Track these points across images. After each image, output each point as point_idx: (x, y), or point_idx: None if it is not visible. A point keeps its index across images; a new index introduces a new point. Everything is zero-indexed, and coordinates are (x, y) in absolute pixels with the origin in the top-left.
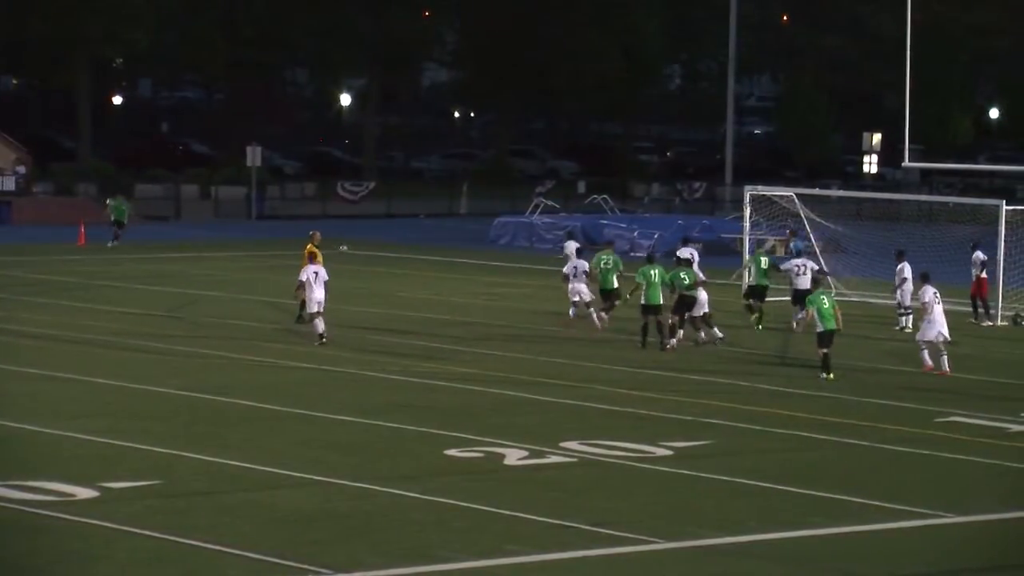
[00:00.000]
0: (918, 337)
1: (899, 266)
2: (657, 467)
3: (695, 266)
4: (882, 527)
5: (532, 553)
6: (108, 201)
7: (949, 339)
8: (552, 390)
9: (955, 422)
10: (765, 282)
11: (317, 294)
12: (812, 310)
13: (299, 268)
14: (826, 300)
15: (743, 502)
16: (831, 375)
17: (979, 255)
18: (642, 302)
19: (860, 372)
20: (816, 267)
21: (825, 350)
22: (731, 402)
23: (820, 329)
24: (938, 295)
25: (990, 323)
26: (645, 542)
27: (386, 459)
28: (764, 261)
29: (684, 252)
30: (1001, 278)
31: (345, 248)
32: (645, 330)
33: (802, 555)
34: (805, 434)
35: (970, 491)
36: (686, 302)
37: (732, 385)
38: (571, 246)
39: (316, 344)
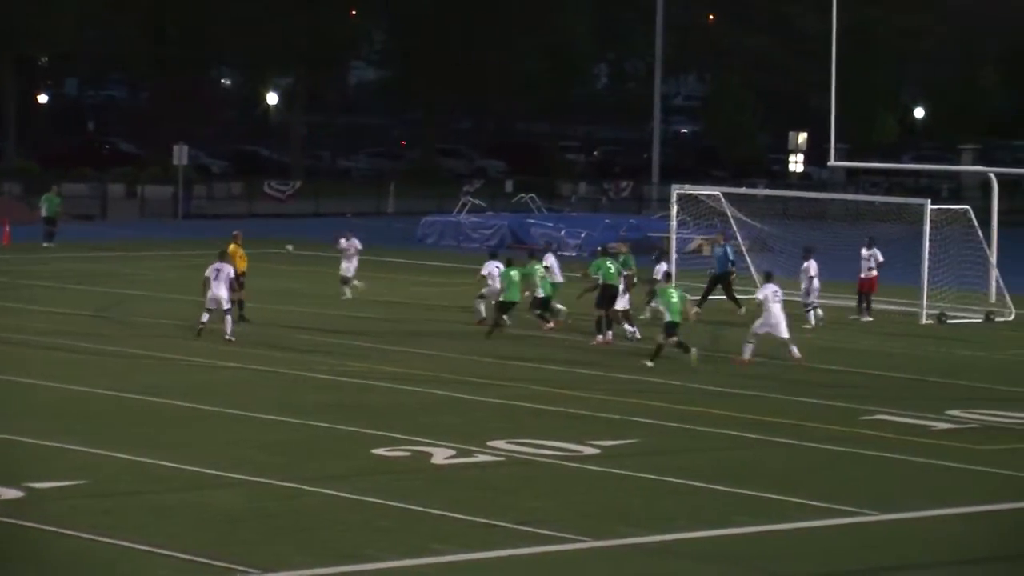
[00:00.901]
0: (752, 328)
1: (805, 264)
2: (585, 466)
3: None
4: (809, 525)
5: (459, 552)
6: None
7: (786, 336)
8: (480, 389)
9: (881, 420)
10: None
11: (217, 292)
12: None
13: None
14: (675, 295)
15: (671, 501)
16: (652, 363)
17: (876, 252)
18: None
19: (788, 371)
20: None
21: (667, 339)
22: (660, 401)
23: (667, 319)
24: (778, 294)
25: (869, 319)
26: (572, 541)
27: (314, 459)
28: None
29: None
30: (926, 277)
31: (291, 248)
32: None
33: (729, 554)
34: (734, 433)
35: (896, 489)
36: (609, 294)
37: (662, 384)
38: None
39: (195, 337)
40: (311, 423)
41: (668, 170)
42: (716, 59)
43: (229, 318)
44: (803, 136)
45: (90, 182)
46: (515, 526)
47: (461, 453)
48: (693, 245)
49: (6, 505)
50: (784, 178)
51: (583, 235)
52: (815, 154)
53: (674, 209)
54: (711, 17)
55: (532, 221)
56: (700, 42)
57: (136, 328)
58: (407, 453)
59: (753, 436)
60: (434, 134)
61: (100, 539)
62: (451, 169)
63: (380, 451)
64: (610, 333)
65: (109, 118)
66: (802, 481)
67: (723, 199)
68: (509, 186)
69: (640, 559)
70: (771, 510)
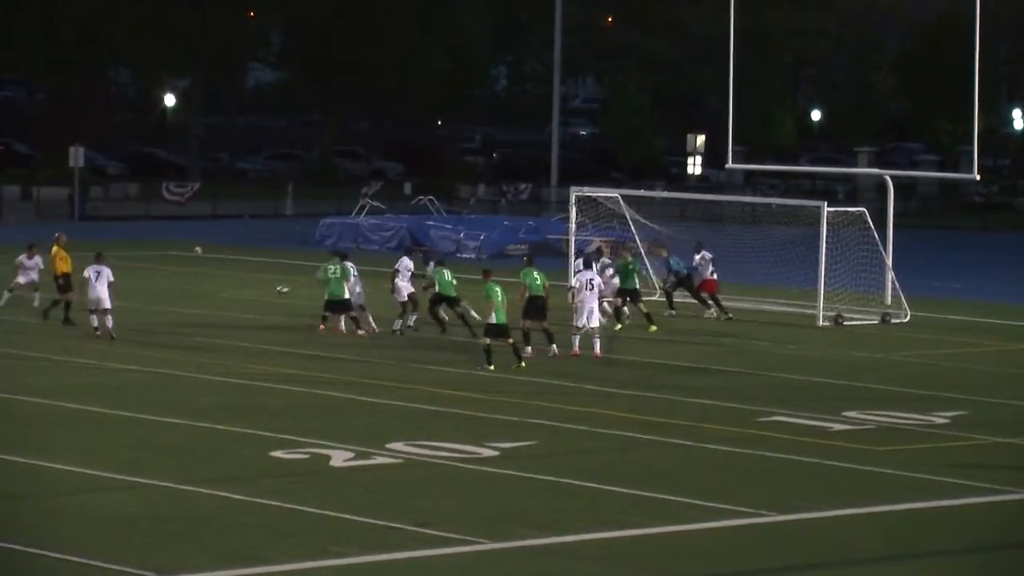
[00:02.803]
0: (573, 322)
1: (697, 256)
2: (483, 468)
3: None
4: (705, 526)
5: (358, 554)
6: None
7: (595, 327)
8: (378, 391)
9: (777, 422)
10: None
11: (99, 292)
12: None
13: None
14: (499, 291)
15: (568, 502)
16: (493, 367)
17: (706, 254)
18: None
19: (684, 372)
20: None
21: (490, 341)
22: (557, 403)
23: (492, 321)
24: (593, 282)
25: (714, 315)
26: (470, 543)
27: (211, 461)
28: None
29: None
30: (822, 279)
31: (199, 250)
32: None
33: (625, 554)
34: (630, 434)
35: (792, 490)
36: (537, 305)
37: (559, 386)
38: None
39: (97, 336)
40: (207, 425)
41: (567, 172)
42: (614, 61)
43: (110, 317)
44: (701, 138)
45: None
46: (414, 528)
47: (360, 455)
48: (593, 247)
49: None
50: (682, 180)
51: (482, 237)
52: (713, 156)
53: (573, 211)
54: (609, 19)
55: (431, 223)
56: (598, 44)
57: (28, 330)
58: (305, 455)
59: (649, 437)
60: (332, 136)
61: None
62: (349, 171)
63: (278, 453)
64: (529, 348)
65: (3, 119)
66: (698, 482)
67: (621, 201)
68: (408, 188)
69: (538, 561)
70: (667, 511)
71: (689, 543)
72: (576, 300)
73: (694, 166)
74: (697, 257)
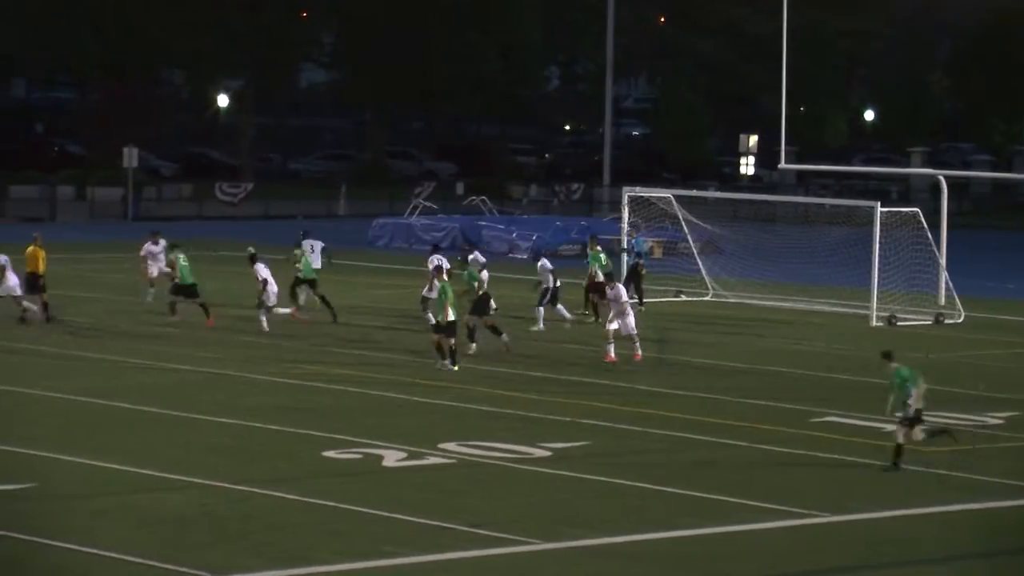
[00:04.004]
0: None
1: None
2: (535, 468)
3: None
4: (756, 527)
5: (410, 555)
6: None
7: (632, 332)
8: (430, 391)
9: (830, 422)
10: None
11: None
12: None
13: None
14: (449, 291)
15: (619, 503)
16: (457, 367)
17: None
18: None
19: (736, 373)
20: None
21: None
22: (610, 403)
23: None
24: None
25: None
26: (522, 543)
27: (264, 461)
28: (603, 258)
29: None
30: (875, 280)
31: (252, 250)
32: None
33: (676, 555)
34: (682, 435)
35: (844, 490)
36: (484, 301)
37: (611, 386)
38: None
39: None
40: (260, 425)
41: (619, 172)
42: (666, 61)
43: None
44: (753, 139)
45: (39, 184)
46: (466, 528)
47: (412, 455)
48: (645, 247)
49: None
50: (734, 180)
51: (534, 238)
52: (765, 157)
53: (625, 211)
54: (662, 19)
55: (483, 223)
56: (650, 44)
57: (84, 330)
58: (358, 455)
59: (701, 438)
60: (384, 136)
61: (47, 543)
62: (401, 171)
63: (331, 453)
64: (474, 345)
65: (58, 120)
66: (750, 482)
67: (674, 201)
68: (460, 188)
69: (590, 561)
70: (719, 511)
71: (741, 544)
72: (614, 311)
73: (747, 166)
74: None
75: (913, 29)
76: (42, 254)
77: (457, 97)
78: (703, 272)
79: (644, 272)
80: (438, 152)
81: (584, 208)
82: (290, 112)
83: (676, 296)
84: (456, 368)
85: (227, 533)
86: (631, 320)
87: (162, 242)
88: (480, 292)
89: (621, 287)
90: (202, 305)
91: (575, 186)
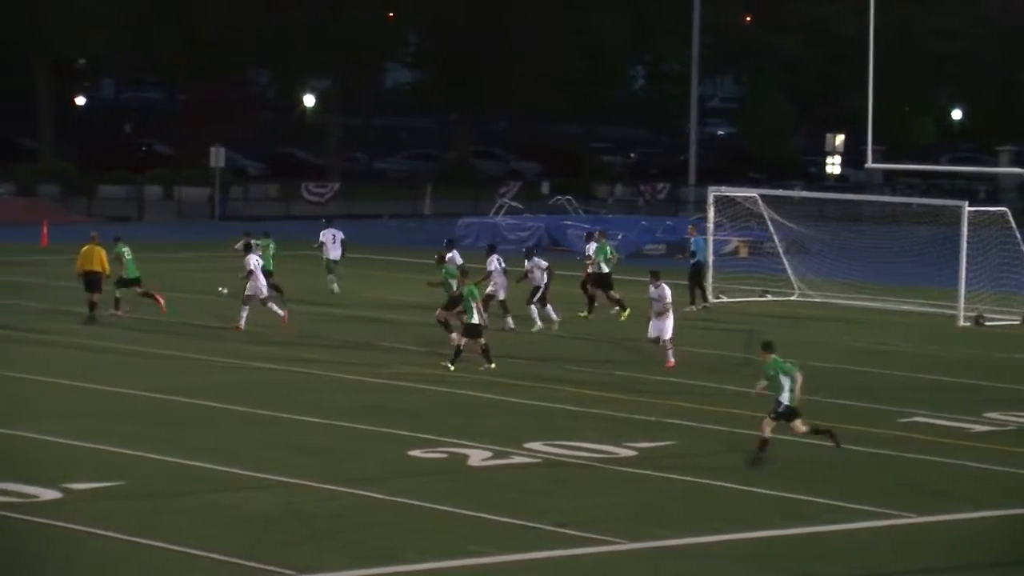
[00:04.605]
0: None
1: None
2: (621, 468)
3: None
4: (843, 527)
5: (496, 554)
6: None
7: (668, 338)
8: (515, 391)
9: (918, 422)
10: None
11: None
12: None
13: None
14: (476, 293)
15: (706, 502)
16: (453, 367)
17: (592, 247)
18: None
19: (823, 373)
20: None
21: (465, 340)
22: (695, 402)
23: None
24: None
25: (585, 315)
26: (608, 543)
27: (351, 460)
28: (610, 250)
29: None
30: (963, 279)
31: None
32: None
33: (761, 556)
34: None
35: (933, 491)
36: (457, 300)
37: (697, 386)
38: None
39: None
40: (347, 424)
41: (705, 172)
42: (752, 61)
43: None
44: (840, 138)
45: (127, 184)
46: (552, 528)
47: (498, 455)
48: (731, 247)
49: (44, 506)
50: (821, 180)
51: (619, 237)
52: (852, 156)
53: (711, 211)
54: (747, 18)
55: (568, 223)
56: (736, 43)
57: (170, 329)
58: (444, 455)
59: (788, 438)
60: (469, 136)
61: (136, 540)
62: (486, 171)
63: (416, 453)
64: (455, 335)
65: (146, 120)
66: (837, 483)
67: (759, 201)
68: (545, 188)
69: (676, 561)
70: (805, 511)
71: (827, 544)
72: (654, 310)
73: (833, 166)
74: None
75: (1001, 27)
76: (102, 253)
77: (541, 97)
78: (789, 272)
79: (704, 271)
80: (523, 152)
81: (669, 208)
82: (376, 112)
83: (762, 296)
84: (493, 366)
85: (314, 532)
86: (668, 324)
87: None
88: (456, 291)
89: (666, 286)
90: (146, 294)
91: (660, 186)
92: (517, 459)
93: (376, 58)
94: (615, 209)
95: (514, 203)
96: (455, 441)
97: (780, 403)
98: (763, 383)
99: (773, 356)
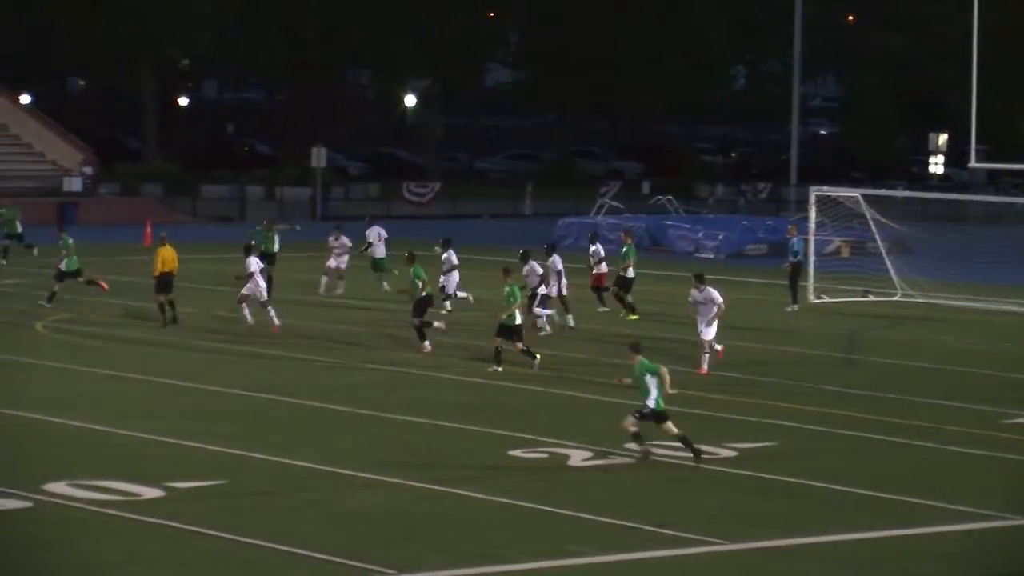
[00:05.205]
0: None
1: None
2: (721, 468)
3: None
4: (944, 529)
5: (595, 554)
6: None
7: (708, 340)
8: (617, 391)
9: (1022, 424)
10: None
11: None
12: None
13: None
14: (517, 293)
15: (806, 504)
16: (500, 367)
17: (599, 248)
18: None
19: (925, 373)
20: None
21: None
22: (796, 404)
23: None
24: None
25: (605, 309)
26: (707, 543)
27: (451, 459)
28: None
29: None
30: None
31: (439, 250)
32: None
33: (862, 557)
34: (869, 435)
35: None
36: (425, 302)
37: (798, 387)
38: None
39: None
40: (447, 424)
41: (806, 172)
42: (854, 60)
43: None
44: (943, 137)
45: (228, 184)
46: (651, 528)
47: (598, 455)
48: (833, 247)
49: (147, 504)
50: (923, 179)
51: (720, 237)
52: (955, 155)
53: (812, 211)
54: (850, 17)
55: (669, 223)
56: (838, 42)
57: (264, 330)
58: (544, 454)
59: (889, 439)
60: (569, 136)
61: (238, 539)
62: (587, 170)
63: (517, 452)
64: (428, 343)
65: (248, 120)
66: (939, 484)
67: (862, 201)
68: (646, 188)
69: (775, 562)
70: (906, 513)
71: (928, 546)
72: (701, 314)
73: (936, 165)
74: (592, 249)
75: None
76: (173, 253)
77: (643, 96)
78: (891, 272)
79: (801, 271)
80: (624, 151)
81: (771, 208)
82: (476, 112)
83: (864, 296)
84: (538, 361)
85: (414, 531)
86: (712, 331)
87: (343, 238)
88: (424, 292)
89: (712, 289)
90: (89, 282)
91: (762, 185)
92: (617, 459)
93: (477, 58)
94: (716, 209)
95: (615, 203)
96: (555, 441)
97: (646, 405)
98: (628, 380)
99: (640, 358)
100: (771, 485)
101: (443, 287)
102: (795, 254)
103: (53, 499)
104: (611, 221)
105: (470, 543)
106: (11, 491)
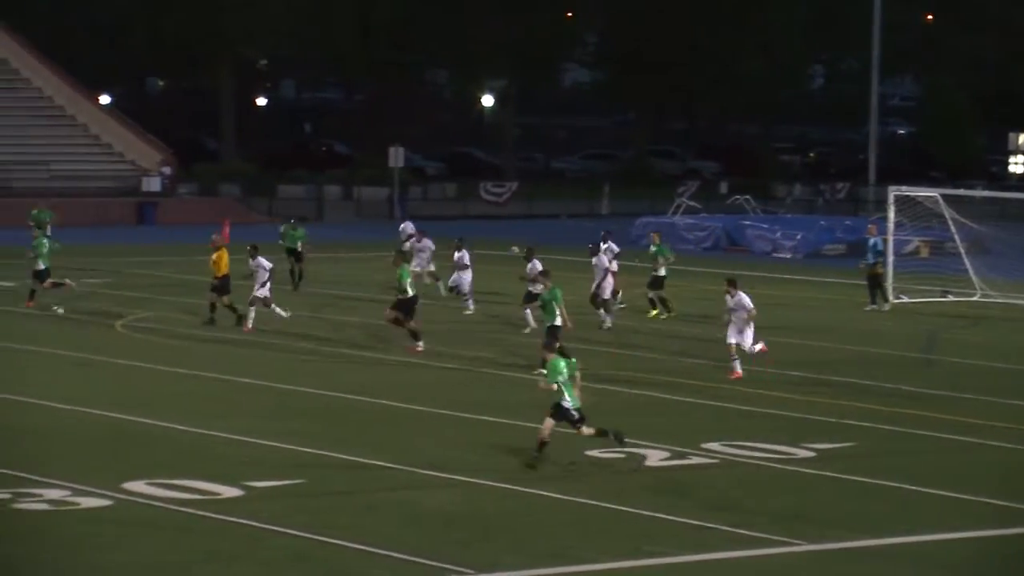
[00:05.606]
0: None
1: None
2: (799, 469)
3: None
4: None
5: (671, 554)
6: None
7: (746, 345)
8: (693, 391)
9: None
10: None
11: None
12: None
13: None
14: (559, 295)
15: (884, 504)
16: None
17: (611, 246)
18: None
19: (1003, 374)
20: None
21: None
22: (874, 403)
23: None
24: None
25: (622, 305)
26: (785, 544)
27: (528, 459)
28: (668, 252)
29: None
30: None
31: (516, 249)
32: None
33: (942, 558)
34: (948, 436)
35: None
36: (410, 304)
37: (875, 387)
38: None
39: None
40: (523, 423)
41: (885, 171)
42: (933, 59)
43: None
44: (1023, 137)
45: (305, 184)
46: (728, 528)
47: (675, 455)
48: (912, 247)
49: (225, 503)
50: (1003, 179)
51: (798, 237)
52: None
53: (891, 211)
54: (929, 16)
55: (747, 223)
56: (917, 41)
57: (349, 329)
58: (621, 454)
59: (969, 439)
60: (647, 135)
61: (316, 538)
62: (664, 170)
63: (594, 452)
64: (420, 344)
65: (325, 120)
66: (1017, 486)
67: (940, 200)
68: (723, 187)
69: (853, 563)
70: (986, 514)
71: (1008, 548)
72: (729, 317)
73: (1016, 165)
74: (611, 248)
75: None
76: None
77: (721, 95)
78: (970, 272)
79: (882, 271)
80: (701, 151)
81: (849, 207)
82: (553, 111)
83: (943, 296)
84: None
85: (491, 531)
86: (748, 336)
87: (427, 240)
88: (411, 293)
89: (743, 295)
90: (55, 283)
91: (840, 185)
92: (695, 459)
93: (555, 58)
94: (793, 209)
95: (692, 203)
96: (632, 441)
97: (560, 405)
98: (553, 384)
99: (555, 356)
100: (848, 485)
101: (457, 287)
102: (879, 254)
103: (132, 498)
104: (688, 221)
105: (546, 543)
106: (92, 489)
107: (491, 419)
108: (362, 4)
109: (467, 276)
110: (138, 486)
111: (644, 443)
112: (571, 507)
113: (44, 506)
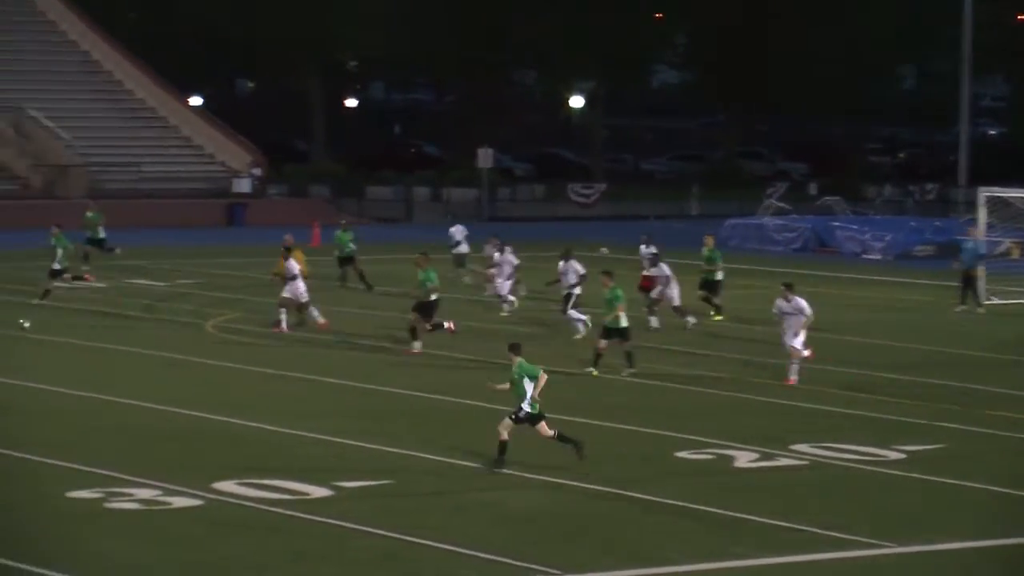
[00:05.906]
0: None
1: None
2: (889, 471)
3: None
4: None
5: (759, 556)
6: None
7: (795, 348)
8: (782, 392)
9: None
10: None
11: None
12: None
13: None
14: (620, 295)
15: (974, 507)
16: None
17: (652, 249)
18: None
19: None
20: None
21: (605, 344)
22: (964, 405)
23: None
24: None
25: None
26: (875, 546)
27: (616, 460)
28: (719, 256)
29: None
30: None
31: (606, 251)
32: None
33: None
34: None
35: None
36: (431, 304)
37: (964, 388)
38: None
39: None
40: (612, 425)
41: (975, 172)
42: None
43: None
44: None
45: (394, 185)
46: (818, 530)
47: (764, 456)
48: (1003, 248)
49: (315, 503)
50: None
51: (888, 238)
52: None
53: (982, 212)
54: (1020, 17)
55: (836, 224)
56: (1008, 42)
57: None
58: (710, 456)
59: None
60: (735, 136)
61: (404, 538)
62: (753, 171)
63: (683, 454)
64: (418, 344)
65: (414, 121)
66: None
67: None
68: (813, 188)
69: (944, 566)
70: None
71: None
72: (788, 324)
73: None
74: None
75: None
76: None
77: (810, 96)
78: None
79: (978, 274)
80: (790, 152)
81: (939, 209)
82: (641, 113)
83: None
84: (635, 370)
85: (578, 532)
86: (799, 341)
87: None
88: (432, 297)
89: (800, 299)
90: (75, 277)
91: (929, 186)
92: (783, 461)
93: (644, 59)
94: (883, 210)
95: (781, 204)
96: (721, 442)
97: (521, 408)
98: (506, 384)
99: (520, 359)
100: (938, 488)
101: (499, 289)
102: (979, 257)
103: (222, 497)
104: (777, 222)
105: (633, 544)
106: (183, 489)
107: (579, 420)
108: (452, 4)
109: (506, 276)
110: (228, 486)
111: (733, 444)
112: (659, 508)
113: (135, 505)
